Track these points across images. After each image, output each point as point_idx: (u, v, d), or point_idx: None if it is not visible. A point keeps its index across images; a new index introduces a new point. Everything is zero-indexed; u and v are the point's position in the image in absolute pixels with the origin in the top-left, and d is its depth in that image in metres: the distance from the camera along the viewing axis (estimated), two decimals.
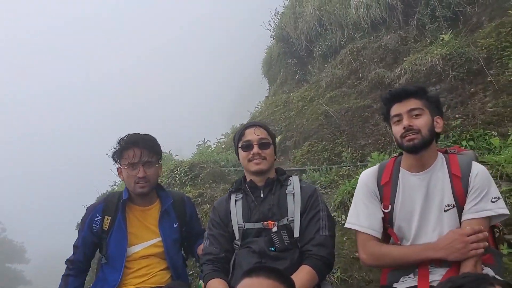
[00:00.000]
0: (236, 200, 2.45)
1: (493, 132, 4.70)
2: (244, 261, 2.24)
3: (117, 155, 2.65)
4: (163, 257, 2.66)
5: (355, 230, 2.26)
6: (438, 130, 2.16)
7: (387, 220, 2.22)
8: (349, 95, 7.00)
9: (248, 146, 2.45)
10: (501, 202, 2.06)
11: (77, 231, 2.76)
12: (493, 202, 2.03)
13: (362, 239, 2.21)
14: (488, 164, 3.80)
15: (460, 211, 2.07)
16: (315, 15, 8.79)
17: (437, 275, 2.03)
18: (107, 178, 8.32)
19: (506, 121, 4.72)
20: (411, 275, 2.13)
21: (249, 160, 2.44)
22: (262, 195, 2.41)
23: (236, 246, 2.37)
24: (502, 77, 5.04)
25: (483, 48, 5.43)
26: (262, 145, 2.44)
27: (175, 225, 2.72)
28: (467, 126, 4.93)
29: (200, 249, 2.60)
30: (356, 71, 7.26)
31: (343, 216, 3.97)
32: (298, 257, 2.24)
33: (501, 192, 3.49)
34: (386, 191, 2.22)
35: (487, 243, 1.97)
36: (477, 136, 4.72)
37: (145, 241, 2.63)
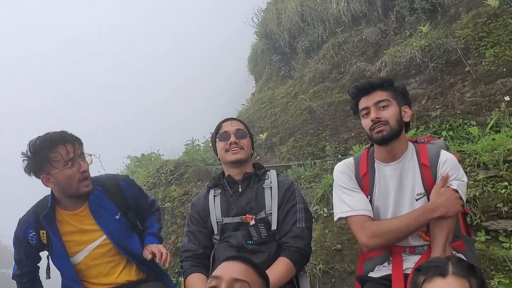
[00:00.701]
0: (214, 196, 2.45)
1: (472, 122, 4.77)
2: (223, 255, 2.24)
3: (41, 162, 2.27)
4: (117, 252, 2.48)
5: (348, 217, 2.18)
6: (406, 119, 2.19)
7: None
8: (331, 89, 7.04)
9: (225, 137, 2.45)
10: (465, 186, 2.10)
11: None
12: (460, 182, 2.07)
13: (358, 222, 2.13)
14: (466, 153, 3.86)
15: None
16: (297, 10, 8.83)
17: (410, 262, 2.07)
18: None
19: (484, 110, 4.80)
20: (386, 264, 2.15)
21: (226, 150, 2.43)
22: (240, 190, 2.41)
23: (215, 240, 2.37)
24: (479, 66, 5.11)
25: (461, 38, 5.50)
26: (239, 134, 2.45)
27: (117, 216, 2.48)
28: (447, 117, 5.00)
29: (147, 255, 2.45)
30: (338, 65, 7.31)
31: (325, 209, 3.99)
32: (276, 250, 2.26)
33: (478, 180, 3.58)
34: (365, 182, 2.23)
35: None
36: (457, 126, 4.79)
37: (90, 244, 2.43)
